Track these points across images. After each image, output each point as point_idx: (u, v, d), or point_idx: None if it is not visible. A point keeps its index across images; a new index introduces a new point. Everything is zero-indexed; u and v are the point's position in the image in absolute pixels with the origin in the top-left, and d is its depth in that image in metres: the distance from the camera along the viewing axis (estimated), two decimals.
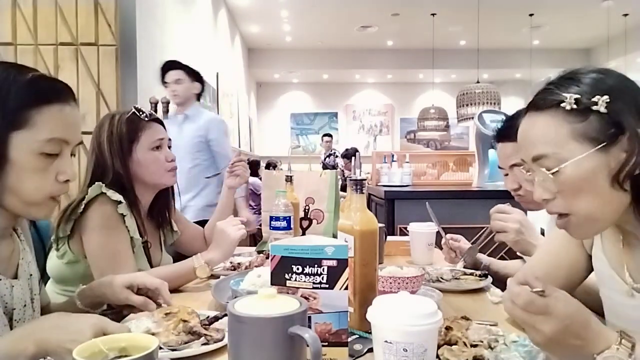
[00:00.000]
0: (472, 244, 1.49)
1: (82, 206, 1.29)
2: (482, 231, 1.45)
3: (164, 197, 1.54)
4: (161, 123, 1.50)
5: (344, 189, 2.91)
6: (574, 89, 0.76)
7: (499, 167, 1.44)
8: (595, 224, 0.80)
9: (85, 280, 1.25)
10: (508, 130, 1.35)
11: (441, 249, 1.77)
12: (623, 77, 0.79)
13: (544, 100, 0.79)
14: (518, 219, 1.28)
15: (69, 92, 0.91)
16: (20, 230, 1.00)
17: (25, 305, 0.92)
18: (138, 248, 1.37)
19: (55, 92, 0.88)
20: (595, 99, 0.74)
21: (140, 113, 1.43)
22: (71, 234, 1.31)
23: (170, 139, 1.53)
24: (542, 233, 1.47)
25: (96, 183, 1.32)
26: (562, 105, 0.75)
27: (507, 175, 1.40)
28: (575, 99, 0.74)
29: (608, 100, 0.73)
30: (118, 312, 1.06)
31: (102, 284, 1.04)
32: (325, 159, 7.25)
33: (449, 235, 1.49)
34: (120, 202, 1.32)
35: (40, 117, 0.84)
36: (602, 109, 0.73)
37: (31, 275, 0.98)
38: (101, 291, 1.03)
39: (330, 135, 7.91)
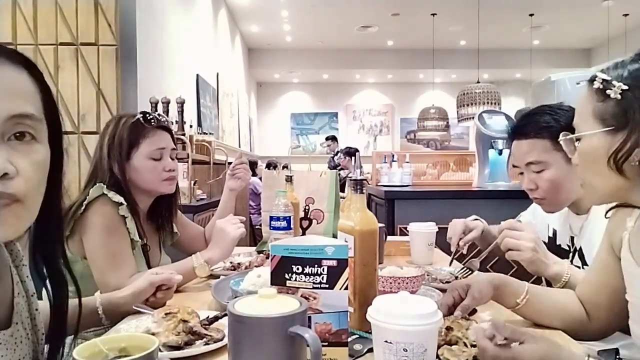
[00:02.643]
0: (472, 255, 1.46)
1: (83, 207, 1.29)
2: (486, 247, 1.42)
3: (166, 201, 1.53)
4: (168, 130, 1.48)
5: (342, 188, 2.90)
6: (615, 75, 0.80)
7: (514, 166, 1.40)
8: (595, 195, 0.89)
9: (83, 281, 1.25)
10: (523, 128, 1.31)
11: (441, 249, 1.77)
12: None
13: (590, 80, 0.84)
14: (532, 237, 1.21)
15: None
16: (22, 254, 0.77)
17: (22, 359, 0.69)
18: (137, 250, 1.37)
19: None
20: (615, 84, 0.78)
21: (148, 118, 1.42)
22: (70, 234, 1.31)
23: (175, 148, 1.50)
24: (554, 235, 1.46)
25: (98, 184, 1.32)
26: (593, 83, 0.82)
27: (522, 174, 1.35)
28: (603, 80, 0.80)
29: (624, 89, 0.78)
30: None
31: (130, 290, 1.08)
32: (332, 157, 7.20)
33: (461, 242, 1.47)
34: (121, 204, 1.32)
35: None
36: (616, 96, 0.78)
37: (33, 294, 0.78)
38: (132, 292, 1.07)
39: (330, 138, 7.81)
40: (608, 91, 0.79)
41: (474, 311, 1.02)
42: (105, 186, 1.32)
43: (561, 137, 0.91)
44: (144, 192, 1.45)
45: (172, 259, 1.58)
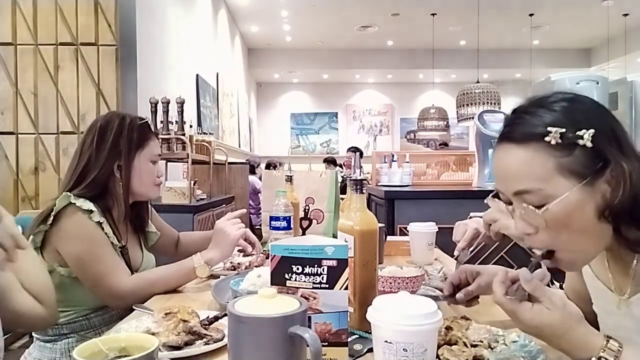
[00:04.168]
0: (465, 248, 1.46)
1: (52, 218, 1.26)
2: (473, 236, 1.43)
3: (142, 204, 1.52)
4: (158, 139, 1.55)
5: (343, 190, 2.90)
6: (549, 119, 0.73)
7: None
8: (583, 255, 0.78)
9: (61, 288, 1.25)
10: None
11: (441, 249, 1.77)
12: (593, 103, 0.78)
13: (521, 133, 0.75)
14: (501, 208, 1.28)
15: None
16: None
17: None
18: (117, 253, 1.34)
19: None
20: (580, 133, 0.71)
21: (150, 124, 1.48)
22: (43, 246, 1.29)
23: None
24: None
25: (63, 194, 1.30)
26: (547, 139, 0.72)
27: None
28: (561, 134, 0.71)
29: (593, 133, 0.71)
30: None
31: None
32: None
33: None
34: (92, 211, 1.29)
35: None
36: (589, 143, 0.71)
37: None
38: None
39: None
40: (580, 141, 0.71)
41: (476, 298, 1.02)
42: (72, 195, 1.29)
43: (525, 206, 0.75)
44: (131, 194, 1.42)
45: (156, 258, 1.58)
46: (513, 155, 0.76)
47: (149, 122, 1.48)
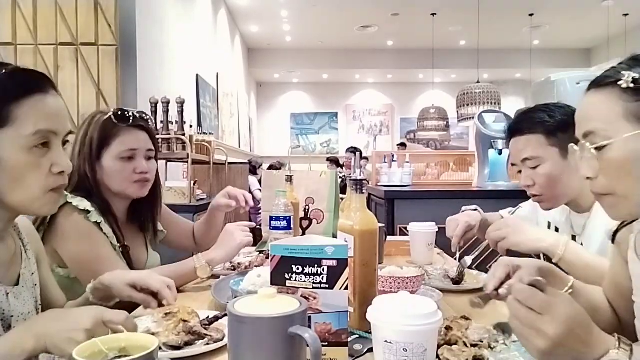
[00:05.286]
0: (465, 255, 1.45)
1: (48, 217, 1.24)
2: (477, 248, 1.44)
3: (147, 202, 1.47)
4: (146, 129, 1.40)
5: (343, 190, 2.88)
6: (637, 69, 0.75)
7: (512, 165, 1.43)
8: (631, 205, 0.77)
9: (61, 289, 1.24)
10: (519, 125, 1.35)
11: (441, 249, 1.77)
12: None
13: (603, 78, 0.78)
14: (507, 223, 1.28)
15: (47, 81, 0.86)
16: (27, 240, 0.98)
17: (29, 313, 0.90)
18: (117, 253, 1.33)
19: (32, 83, 0.83)
20: None
21: (121, 117, 1.34)
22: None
23: (151, 149, 1.42)
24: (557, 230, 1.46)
25: None
26: (619, 83, 0.74)
27: (520, 172, 1.38)
28: (633, 78, 0.73)
29: None
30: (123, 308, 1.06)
31: (111, 277, 1.04)
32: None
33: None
34: (88, 211, 1.27)
35: (22, 111, 0.80)
36: None
37: (36, 285, 0.97)
38: (109, 284, 1.03)
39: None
40: None
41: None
42: (68, 194, 1.27)
43: (587, 146, 0.78)
44: (116, 195, 1.39)
45: (161, 255, 1.58)
46: (590, 98, 0.80)
47: (117, 114, 1.34)
